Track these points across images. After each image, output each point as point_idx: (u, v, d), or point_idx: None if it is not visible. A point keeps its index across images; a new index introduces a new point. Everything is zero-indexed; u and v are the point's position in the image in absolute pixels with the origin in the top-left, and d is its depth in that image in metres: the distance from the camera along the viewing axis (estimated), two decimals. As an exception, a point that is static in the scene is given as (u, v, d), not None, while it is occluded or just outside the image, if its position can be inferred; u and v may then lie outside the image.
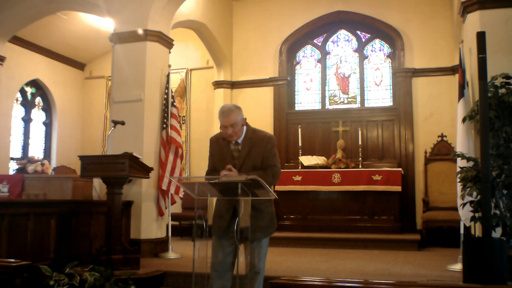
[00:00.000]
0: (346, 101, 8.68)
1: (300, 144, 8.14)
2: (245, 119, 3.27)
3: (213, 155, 3.33)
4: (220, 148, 3.29)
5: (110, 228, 4.87)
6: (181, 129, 7.26)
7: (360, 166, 7.75)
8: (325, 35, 8.89)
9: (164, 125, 6.19)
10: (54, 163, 9.06)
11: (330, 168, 7.74)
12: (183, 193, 6.30)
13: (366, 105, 8.50)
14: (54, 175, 7.66)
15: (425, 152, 7.70)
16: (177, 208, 7.88)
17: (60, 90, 9.55)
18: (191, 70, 9.30)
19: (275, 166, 3.23)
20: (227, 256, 3.18)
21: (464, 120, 4.94)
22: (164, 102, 6.30)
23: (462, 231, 5.07)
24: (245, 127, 3.28)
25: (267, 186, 2.90)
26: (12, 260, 3.04)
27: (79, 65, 10.02)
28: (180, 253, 5.93)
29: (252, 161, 3.17)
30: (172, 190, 6.06)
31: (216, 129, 8.26)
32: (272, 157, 3.24)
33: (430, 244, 6.93)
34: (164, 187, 5.99)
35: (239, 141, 3.24)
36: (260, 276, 3.17)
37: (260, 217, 3.11)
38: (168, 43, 6.55)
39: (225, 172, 3.02)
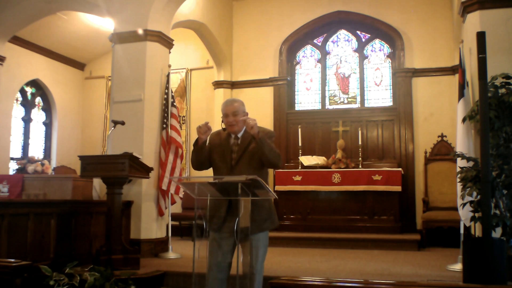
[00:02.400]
0: (346, 101, 8.68)
1: (300, 144, 8.14)
2: (247, 114, 3.30)
3: (211, 146, 3.31)
4: (220, 141, 3.31)
5: (110, 228, 4.87)
6: (181, 129, 7.26)
7: (360, 166, 7.75)
8: (325, 35, 8.89)
9: (164, 125, 6.19)
10: (54, 163, 9.05)
11: (330, 168, 7.75)
12: (183, 193, 6.30)
13: (366, 105, 8.50)
14: (54, 175, 7.66)
15: (425, 152, 7.70)
16: (177, 208, 7.88)
17: (60, 90, 9.55)
18: (191, 70, 9.31)
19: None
20: (224, 256, 3.17)
21: (464, 120, 4.94)
22: (164, 102, 6.30)
23: (462, 231, 5.07)
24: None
25: (267, 186, 2.90)
26: (12, 260, 3.05)
27: (79, 65, 10.02)
28: (180, 253, 5.93)
29: (250, 154, 3.17)
30: (172, 190, 6.06)
31: (216, 129, 8.25)
32: (272, 143, 3.24)
33: (430, 244, 6.93)
34: (164, 187, 5.99)
35: (239, 135, 3.27)
36: (257, 276, 3.14)
37: (255, 211, 3.09)
38: (168, 43, 6.55)
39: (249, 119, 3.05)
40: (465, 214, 4.63)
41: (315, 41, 8.94)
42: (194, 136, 8.95)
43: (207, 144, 3.33)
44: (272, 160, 3.10)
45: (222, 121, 3.29)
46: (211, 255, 3.17)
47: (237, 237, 2.95)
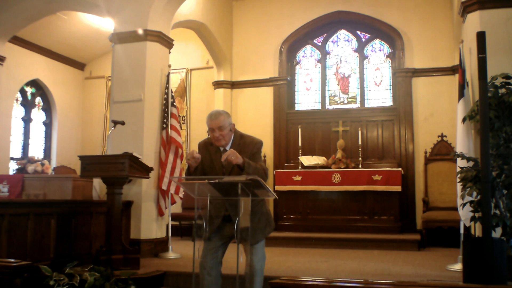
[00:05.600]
0: (346, 101, 8.67)
1: (300, 144, 8.14)
2: (233, 125, 3.26)
3: (201, 160, 3.25)
4: (209, 154, 3.28)
5: (110, 228, 4.87)
6: (181, 129, 7.26)
7: (360, 166, 7.75)
8: (325, 35, 8.89)
9: (164, 125, 6.19)
10: (54, 163, 9.06)
11: (330, 168, 7.74)
12: (183, 193, 6.30)
13: (366, 105, 8.50)
14: (54, 175, 7.65)
15: (425, 152, 7.70)
16: (177, 208, 7.88)
17: (60, 90, 9.55)
18: (191, 70, 9.31)
19: (264, 167, 3.20)
20: (216, 254, 3.21)
21: (464, 120, 4.94)
22: (164, 102, 6.30)
23: (462, 231, 5.07)
24: (233, 135, 3.26)
25: (267, 186, 2.90)
26: (12, 260, 3.04)
27: (79, 65, 10.02)
28: (180, 253, 5.93)
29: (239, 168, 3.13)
30: (172, 190, 6.06)
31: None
32: (257, 159, 3.21)
33: (430, 244, 6.93)
34: (164, 187, 5.99)
35: (228, 148, 3.21)
36: (257, 277, 3.17)
37: (256, 219, 3.12)
38: (168, 43, 6.55)
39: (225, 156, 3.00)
40: (465, 214, 4.63)
41: (315, 41, 8.93)
42: (194, 136, 8.98)
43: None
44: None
45: (208, 135, 3.24)
46: (204, 253, 3.19)
47: (237, 238, 2.97)
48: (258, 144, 3.28)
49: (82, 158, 5.06)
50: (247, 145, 3.22)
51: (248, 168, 3.01)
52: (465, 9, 5.28)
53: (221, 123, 3.13)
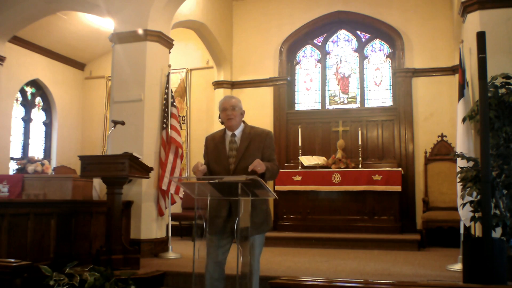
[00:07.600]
0: (346, 101, 8.68)
1: (300, 144, 8.14)
2: (244, 111, 3.40)
3: (207, 153, 3.39)
4: (215, 145, 3.33)
5: (110, 228, 4.87)
6: (181, 129, 7.26)
7: (360, 166, 7.75)
8: (325, 35, 8.89)
9: (164, 125, 6.19)
10: (54, 163, 9.06)
11: (330, 168, 7.75)
12: (183, 193, 6.30)
13: (366, 105, 8.50)
14: (54, 175, 7.65)
15: (425, 152, 7.70)
16: (177, 208, 7.88)
17: (60, 90, 9.55)
18: (191, 70, 9.31)
19: (276, 160, 3.33)
20: (221, 254, 3.22)
21: (464, 120, 4.94)
22: (164, 102, 6.30)
23: (462, 231, 5.07)
24: (242, 123, 3.37)
25: (267, 186, 2.91)
26: (12, 260, 3.04)
27: (79, 65, 10.02)
28: (180, 253, 5.93)
29: (250, 156, 3.18)
30: (172, 190, 6.07)
31: (216, 129, 8.24)
32: (272, 151, 3.33)
33: (430, 244, 6.93)
34: (164, 187, 5.99)
35: (236, 133, 3.30)
36: (254, 275, 3.17)
37: (254, 214, 3.11)
38: (168, 43, 6.55)
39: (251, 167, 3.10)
40: (465, 214, 4.63)
41: (315, 41, 8.93)
42: (194, 136, 8.98)
43: (204, 155, 3.43)
44: (272, 179, 3.27)
45: (219, 118, 3.38)
46: (209, 254, 3.19)
47: (237, 238, 2.97)
48: (270, 133, 3.40)
49: (82, 158, 5.06)
50: (259, 134, 3.32)
51: (268, 173, 3.14)
52: (465, 9, 5.28)
53: (234, 103, 3.32)
